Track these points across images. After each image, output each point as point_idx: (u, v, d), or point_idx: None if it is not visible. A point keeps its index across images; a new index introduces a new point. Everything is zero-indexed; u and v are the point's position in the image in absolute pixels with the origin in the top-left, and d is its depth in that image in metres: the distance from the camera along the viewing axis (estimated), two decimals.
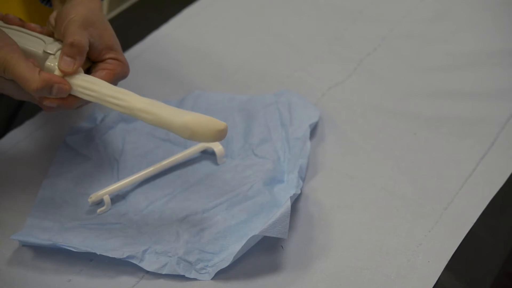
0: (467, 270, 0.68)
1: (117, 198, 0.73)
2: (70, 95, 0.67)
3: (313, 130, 0.80)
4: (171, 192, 0.74)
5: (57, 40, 0.70)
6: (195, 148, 0.77)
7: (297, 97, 0.82)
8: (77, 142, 0.78)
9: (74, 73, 0.67)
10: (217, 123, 0.63)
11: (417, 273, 0.67)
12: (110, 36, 0.70)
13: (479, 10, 0.96)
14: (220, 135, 0.63)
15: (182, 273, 0.66)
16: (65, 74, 0.67)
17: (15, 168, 0.77)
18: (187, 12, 0.98)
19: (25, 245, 0.69)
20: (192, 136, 0.63)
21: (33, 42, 0.69)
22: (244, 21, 0.97)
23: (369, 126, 0.81)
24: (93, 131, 0.79)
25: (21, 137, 0.80)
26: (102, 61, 0.70)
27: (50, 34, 0.72)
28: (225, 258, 0.67)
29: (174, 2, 0.99)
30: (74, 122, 0.82)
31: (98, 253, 0.66)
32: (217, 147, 0.76)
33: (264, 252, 0.69)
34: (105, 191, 0.72)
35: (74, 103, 0.68)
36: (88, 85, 0.66)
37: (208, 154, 0.78)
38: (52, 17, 0.72)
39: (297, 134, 0.78)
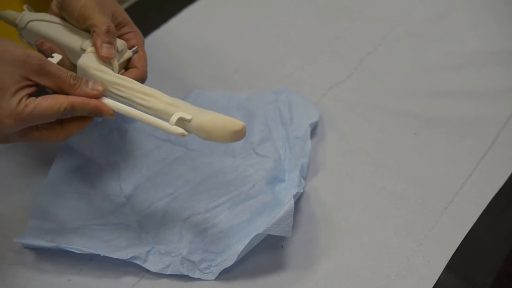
0: (467, 270, 0.68)
1: (119, 198, 0.73)
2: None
3: (314, 129, 0.80)
4: (173, 192, 0.74)
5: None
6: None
7: (296, 96, 0.82)
8: (77, 142, 0.78)
9: (113, 57, 0.68)
10: (233, 124, 0.62)
11: (417, 273, 0.67)
12: (121, 12, 0.72)
13: (480, 9, 0.96)
14: (236, 136, 0.62)
15: (186, 273, 0.67)
16: (107, 59, 0.67)
17: (15, 168, 0.77)
18: (188, 12, 0.98)
19: (28, 247, 0.69)
20: (208, 138, 0.62)
21: (72, 37, 0.70)
22: (244, 21, 0.97)
23: (369, 126, 0.81)
24: (93, 131, 0.79)
25: None
26: (119, 36, 0.71)
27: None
28: (229, 257, 0.67)
29: (174, 2, 0.99)
30: None
31: (102, 255, 0.67)
32: None
33: (265, 251, 0.69)
34: None
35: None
36: (122, 82, 0.66)
37: (209, 155, 0.77)
38: (54, 4, 0.72)
39: (297, 133, 0.78)
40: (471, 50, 0.90)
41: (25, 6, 0.74)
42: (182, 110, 0.63)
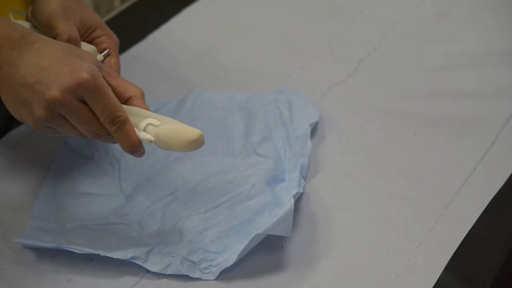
0: (467, 270, 0.68)
1: (119, 198, 0.73)
2: None
3: (314, 129, 0.80)
4: (173, 192, 0.74)
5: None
6: None
7: (297, 96, 0.82)
8: (78, 142, 0.78)
9: None
10: (189, 134, 0.61)
11: (417, 273, 0.67)
12: (90, 16, 0.71)
13: (479, 9, 0.96)
14: (193, 146, 0.61)
15: (186, 273, 0.66)
16: None
17: (15, 168, 0.77)
18: (187, 12, 0.98)
19: (28, 247, 0.69)
20: (166, 147, 0.62)
21: None
22: (244, 21, 0.97)
23: (369, 126, 0.81)
24: None
25: (21, 137, 0.80)
26: (91, 41, 0.71)
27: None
28: (229, 257, 0.67)
29: (174, 2, 0.99)
30: None
31: (102, 255, 0.66)
32: None
33: (265, 251, 0.69)
34: None
35: None
36: None
37: (209, 155, 0.77)
38: (30, 11, 0.72)
39: (297, 133, 0.78)
40: (471, 50, 0.90)
41: (10, 13, 0.73)
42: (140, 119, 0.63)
